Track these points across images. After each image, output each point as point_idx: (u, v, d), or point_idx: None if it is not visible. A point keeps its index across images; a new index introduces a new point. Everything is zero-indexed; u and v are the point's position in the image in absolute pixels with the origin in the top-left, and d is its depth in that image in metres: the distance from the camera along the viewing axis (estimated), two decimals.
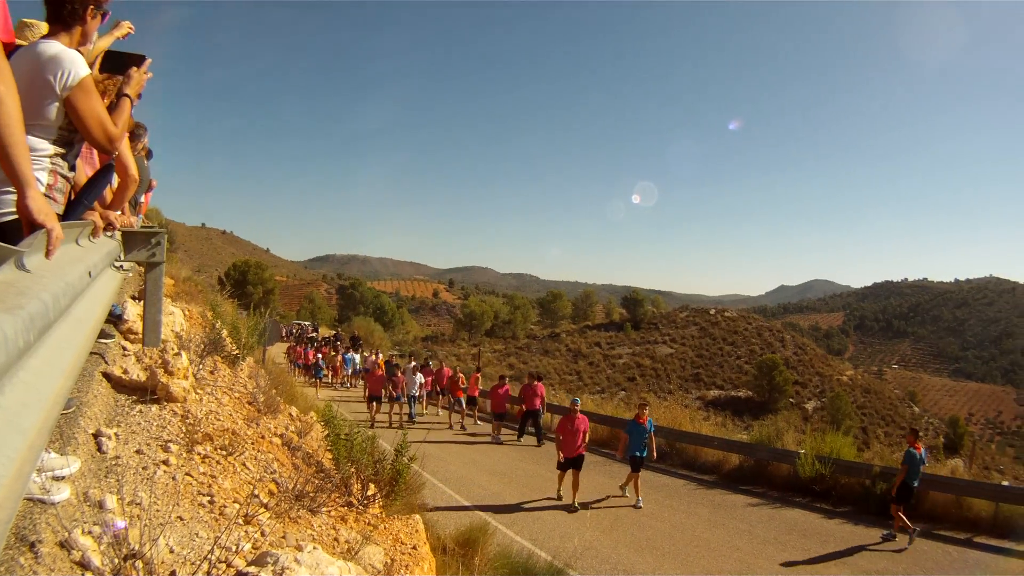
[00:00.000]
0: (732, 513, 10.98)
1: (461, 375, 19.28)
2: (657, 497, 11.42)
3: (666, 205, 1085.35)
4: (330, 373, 28.50)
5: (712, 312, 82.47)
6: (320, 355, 27.80)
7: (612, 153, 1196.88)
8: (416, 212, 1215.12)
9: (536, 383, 16.84)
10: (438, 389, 20.45)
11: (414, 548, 4.87)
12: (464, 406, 18.35)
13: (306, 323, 52.67)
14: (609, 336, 74.96)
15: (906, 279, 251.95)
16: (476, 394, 19.08)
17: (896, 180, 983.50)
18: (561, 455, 10.96)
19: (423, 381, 19.65)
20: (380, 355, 27.43)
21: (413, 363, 20.09)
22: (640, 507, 10.80)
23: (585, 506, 10.71)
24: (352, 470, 6.00)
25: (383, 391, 18.63)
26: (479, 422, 18.84)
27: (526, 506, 10.76)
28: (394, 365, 20.20)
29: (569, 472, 10.87)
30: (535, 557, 7.77)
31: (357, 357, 29.43)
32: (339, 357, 29.29)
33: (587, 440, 11.19)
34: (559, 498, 11.05)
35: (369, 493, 5.73)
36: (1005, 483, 10.86)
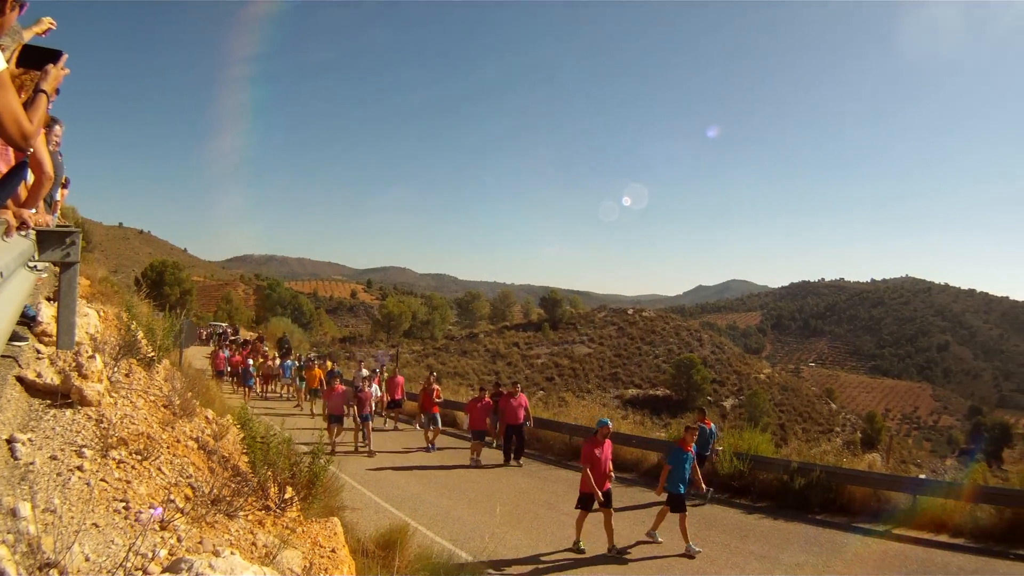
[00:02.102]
0: (650, 511, 11.26)
1: (437, 387, 16.72)
2: (574, 496, 11.69)
3: (583, 206, 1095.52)
4: (259, 382, 25.69)
5: (630, 312, 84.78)
6: (250, 360, 24.97)
7: (534, 153, 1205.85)
8: (334, 212, 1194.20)
9: (518, 392, 15.49)
10: (390, 400, 18.61)
11: (333, 551, 4.97)
12: (430, 422, 16.07)
13: (224, 324, 50.88)
14: (527, 336, 76.00)
15: (823, 279, 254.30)
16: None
17: (812, 181, 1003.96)
18: (592, 491, 9.03)
19: (380, 393, 17.74)
20: (327, 361, 23.24)
21: (365, 371, 18.12)
22: (694, 556, 8.93)
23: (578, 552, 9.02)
24: (269, 473, 6.01)
25: (346, 409, 15.64)
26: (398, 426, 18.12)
27: (446, 507, 10.86)
28: (336, 374, 17.70)
29: (585, 513, 9.15)
30: (456, 557, 7.95)
31: (294, 364, 25.08)
32: (273, 363, 26.00)
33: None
34: (579, 548, 8.99)
35: (286, 496, 5.76)
36: (922, 476, 11.33)
